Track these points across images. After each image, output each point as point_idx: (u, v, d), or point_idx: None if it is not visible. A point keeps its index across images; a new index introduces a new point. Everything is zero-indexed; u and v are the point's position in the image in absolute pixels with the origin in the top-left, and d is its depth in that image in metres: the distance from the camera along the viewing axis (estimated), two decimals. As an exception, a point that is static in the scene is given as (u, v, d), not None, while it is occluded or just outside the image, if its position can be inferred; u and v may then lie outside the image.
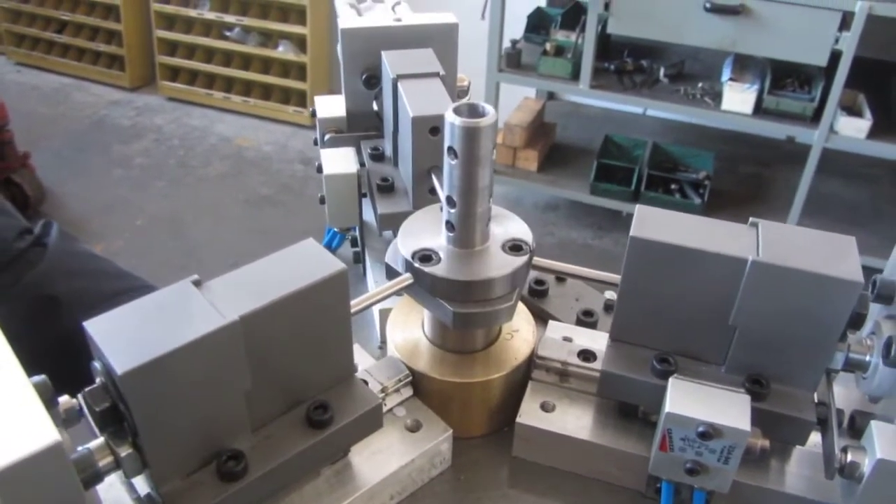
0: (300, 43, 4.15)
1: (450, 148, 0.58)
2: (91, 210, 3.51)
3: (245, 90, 4.38)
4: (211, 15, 4.28)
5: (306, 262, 0.54)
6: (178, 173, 3.83)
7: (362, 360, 0.70)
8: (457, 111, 0.57)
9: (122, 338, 0.47)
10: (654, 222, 0.60)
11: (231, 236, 3.37)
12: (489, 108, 0.57)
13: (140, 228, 3.42)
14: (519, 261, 0.63)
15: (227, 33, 4.33)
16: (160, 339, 0.46)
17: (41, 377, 0.46)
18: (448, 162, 0.59)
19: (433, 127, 0.71)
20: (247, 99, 4.35)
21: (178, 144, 4.07)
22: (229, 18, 4.26)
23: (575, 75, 3.10)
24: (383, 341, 0.77)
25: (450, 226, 0.63)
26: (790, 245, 0.57)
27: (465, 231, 0.62)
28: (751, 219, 0.60)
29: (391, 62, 0.77)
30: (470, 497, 0.65)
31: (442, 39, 0.85)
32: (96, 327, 0.47)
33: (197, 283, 0.51)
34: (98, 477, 0.47)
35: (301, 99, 4.24)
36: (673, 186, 3.25)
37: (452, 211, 0.61)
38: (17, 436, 0.39)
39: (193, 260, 3.20)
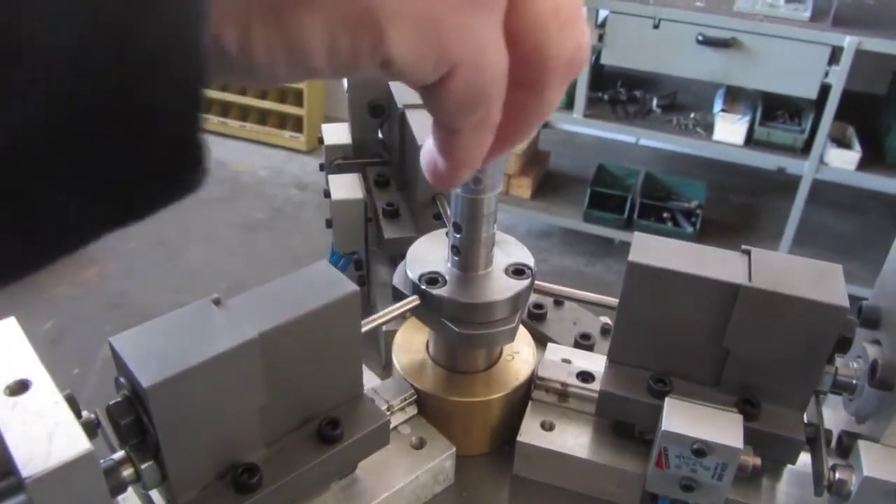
0: (298, 69, 4.19)
1: (457, 176, 0.61)
2: (86, 232, 3.52)
3: (242, 115, 4.42)
4: (210, 41, 4.32)
5: (320, 283, 0.56)
6: (174, 197, 3.85)
7: (368, 379, 0.73)
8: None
9: (146, 353, 0.49)
10: (651, 248, 0.63)
11: (225, 260, 3.38)
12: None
13: (133, 252, 3.43)
14: (521, 284, 0.66)
15: (226, 59, 4.37)
16: (184, 354, 0.49)
17: (68, 391, 0.49)
18: (454, 189, 0.62)
19: (439, 155, 0.74)
20: (243, 124, 4.39)
21: (174, 168, 4.09)
22: (228, 44, 4.30)
23: (569, 104, 3.16)
24: (388, 361, 0.80)
25: (455, 250, 0.65)
26: (780, 272, 0.60)
27: (471, 255, 0.65)
28: (743, 246, 0.63)
29: (399, 93, 0.81)
30: (472, 513, 0.67)
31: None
32: (121, 343, 0.50)
33: (217, 302, 0.54)
34: (123, 487, 0.49)
35: (297, 124, 4.28)
36: (665, 215, 3.30)
37: (458, 236, 0.64)
38: (52, 444, 0.42)
39: (187, 284, 3.21)
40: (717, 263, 0.61)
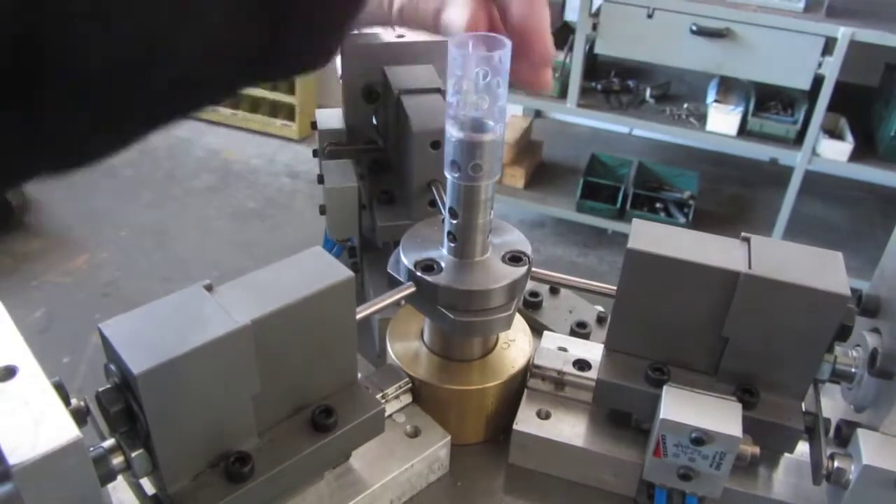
0: (290, 57, 4.16)
1: (453, 161, 0.60)
2: (76, 220, 3.50)
3: (233, 103, 4.37)
4: (201, 28, 4.29)
5: (315, 269, 0.55)
6: (164, 185, 3.83)
7: (362, 367, 0.72)
8: (461, 127, 0.59)
9: (136, 340, 0.48)
10: (650, 235, 0.62)
11: (217, 249, 3.36)
12: (492, 124, 0.59)
13: (125, 239, 3.41)
14: (518, 271, 0.65)
15: (217, 46, 4.34)
16: (175, 341, 0.48)
17: (56, 378, 0.48)
18: (451, 175, 0.61)
19: (434, 141, 0.73)
20: (235, 112, 4.35)
21: (165, 156, 4.07)
22: (219, 32, 4.26)
23: (562, 94, 3.14)
24: (382, 350, 0.79)
25: (451, 237, 0.64)
26: (780, 259, 0.59)
27: (467, 242, 0.64)
28: (742, 233, 0.62)
29: (394, 78, 0.79)
30: (466, 503, 0.66)
31: (441, 56, 0.86)
32: (111, 329, 0.49)
33: (209, 288, 0.53)
34: (112, 475, 0.48)
35: (289, 112, 4.25)
36: (658, 205, 3.30)
37: (454, 222, 0.63)
38: (40, 432, 0.41)
39: (179, 272, 3.19)
40: (717, 251, 0.60)
